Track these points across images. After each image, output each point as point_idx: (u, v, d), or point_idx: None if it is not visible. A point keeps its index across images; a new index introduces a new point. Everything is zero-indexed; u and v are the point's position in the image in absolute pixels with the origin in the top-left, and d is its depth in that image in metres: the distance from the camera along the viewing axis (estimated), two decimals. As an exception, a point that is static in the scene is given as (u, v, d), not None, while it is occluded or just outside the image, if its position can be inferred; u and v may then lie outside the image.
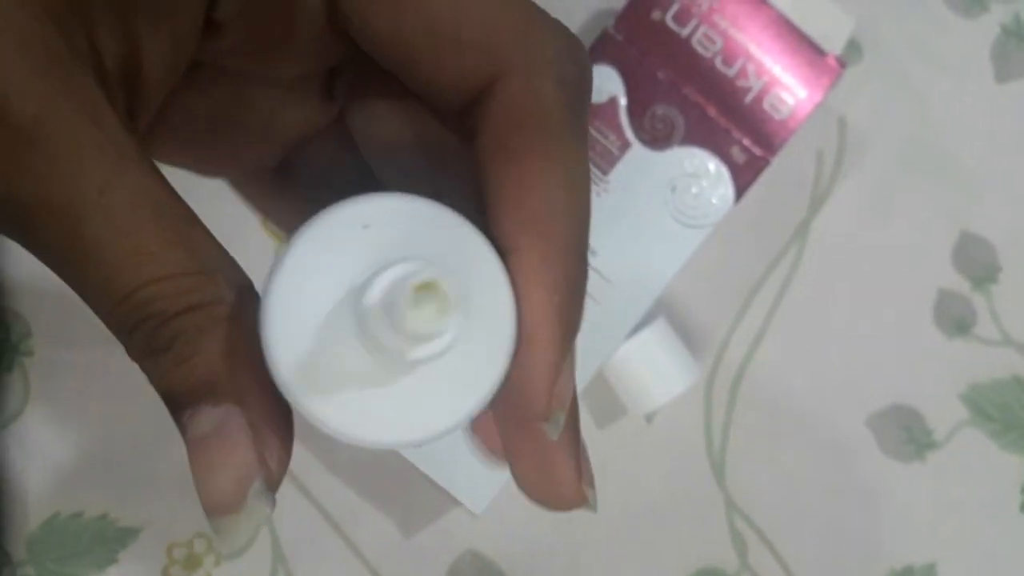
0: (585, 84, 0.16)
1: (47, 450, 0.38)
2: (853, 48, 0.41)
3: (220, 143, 0.21)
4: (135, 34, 0.15)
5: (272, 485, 0.16)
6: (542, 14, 0.16)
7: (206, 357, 0.15)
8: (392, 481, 0.38)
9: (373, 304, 0.15)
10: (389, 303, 0.15)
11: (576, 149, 0.16)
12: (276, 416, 0.16)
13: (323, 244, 0.16)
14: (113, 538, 0.38)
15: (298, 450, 0.39)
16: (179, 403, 0.15)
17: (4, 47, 0.13)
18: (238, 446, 0.15)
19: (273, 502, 0.16)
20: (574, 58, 0.16)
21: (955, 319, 0.40)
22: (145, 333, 0.15)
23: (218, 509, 0.15)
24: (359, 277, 0.16)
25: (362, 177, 0.21)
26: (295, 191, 0.22)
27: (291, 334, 0.15)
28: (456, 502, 0.35)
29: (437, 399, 0.16)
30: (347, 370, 0.16)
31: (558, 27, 0.16)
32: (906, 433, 0.40)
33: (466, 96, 0.16)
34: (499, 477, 0.35)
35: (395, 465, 0.38)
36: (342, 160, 0.21)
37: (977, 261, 0.41)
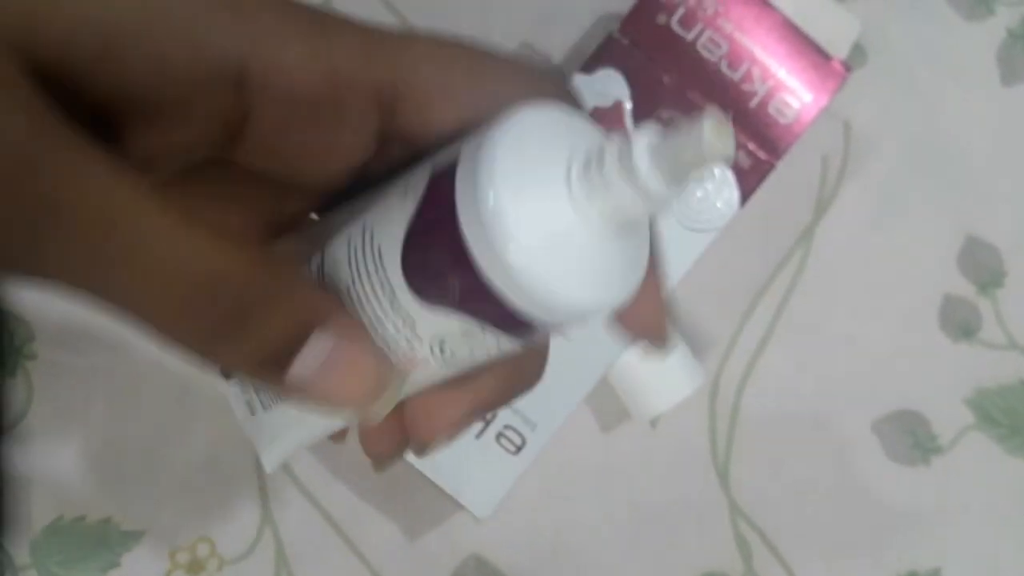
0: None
1: (50, 454, 0.38)
2: (858, 52, 0.41)
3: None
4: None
5: (392, 381, 0.17)
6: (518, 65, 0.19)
7: (296, 297, 0.16)
8: (396, 485, 0.38)
9: (641, 149, 0.16)
10: (666, 149, 0.16)
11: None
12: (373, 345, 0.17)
13: (531, 129, 0.17)
14: (116, 542, 0.38)
15: (302, 455, 0.39)
16: (283, 354, 0.16)
17: (33, 117, 0.14)
18: (365, 341, 0.17)
19: (407, 373, 0.18)
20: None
21: (960, 324, 0.40)
22: (219, 313, 0.15)
23: (371, 399, 0.17)
24: (575, 156, 0.17)
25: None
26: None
27: (508, 181, 0.16)
28: (460, 507, 0.35)
29: (624, 267, 0.18)
30: (555, 229, 0.17)
31: (535, 75, 0.19)
32: (911, 438, 0.40)
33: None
34: (504, 482, 0.35)
35: (399, 469, 0.37)
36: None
37: (982, 266, 0.41)
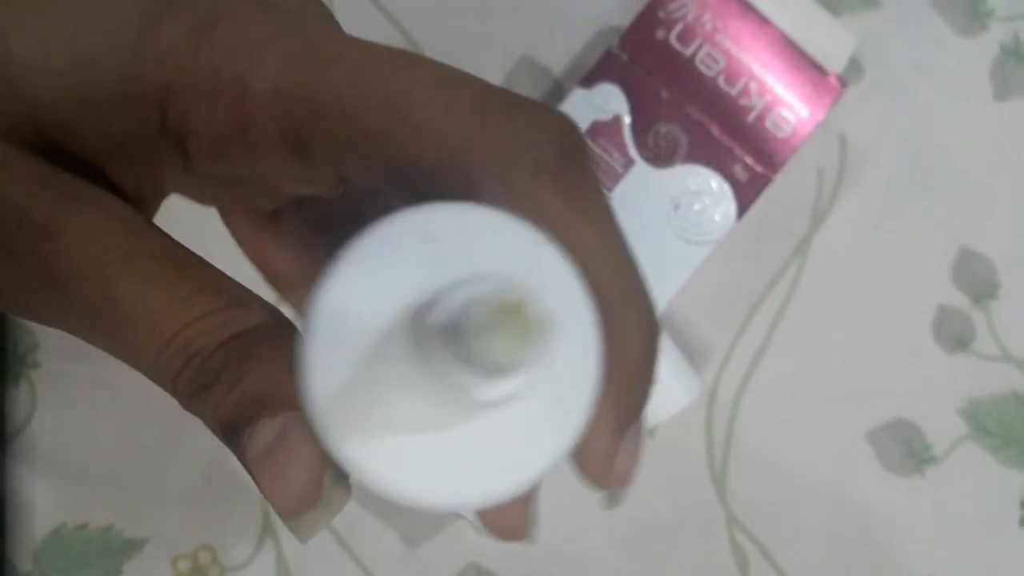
0: (570, 148, 0.16)
1: (53, 461, 0.38)
2: (854, 66, 0.41)
3: (211, 197, 0.21)
4: (130, 172, 0.17)
5: (344, 474, 0.16)
6: (515, 106, 0.16)
7: (256, 375, 0.15)
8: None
9: (437, 329, 0.13)
10: (457, 328, 0.12)
11: (605, 204, 0.16)
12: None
13: (378, 258, 0.14)
14: (118, 549, 0.38)
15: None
16: (236, 427, 0.15)
17: (11, 170, 0.15)
18: (305, 445, 0.15)
19: (350, 488, 0.16)
20: (549, 138, 0.16)
21: (954, 335, 0.41)
22: (191, 372, 0.15)
23: (296, 509, 0.15)
24: (419, 297, 0.13)
25: (356, 222, 0.21)
26: (286, 234, 0.22)
27: (334, 363, 0.13)
28: (460, 516, 0.36)
29: (503, 453, 0.14)
30: (397, 410, 0.13)
31: (530, 116, 0.16)
32: (906, 448, 0.40)
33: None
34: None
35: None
36: (337, 205, 0.21)
37: (977, 278, 0.41)
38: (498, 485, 0.14)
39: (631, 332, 0.15)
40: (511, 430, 0.14)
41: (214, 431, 0.16)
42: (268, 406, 0.15)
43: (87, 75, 0.16)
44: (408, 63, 0.16)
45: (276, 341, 0.15)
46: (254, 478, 0.16)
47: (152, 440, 0.38)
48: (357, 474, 0.14)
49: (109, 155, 0.16)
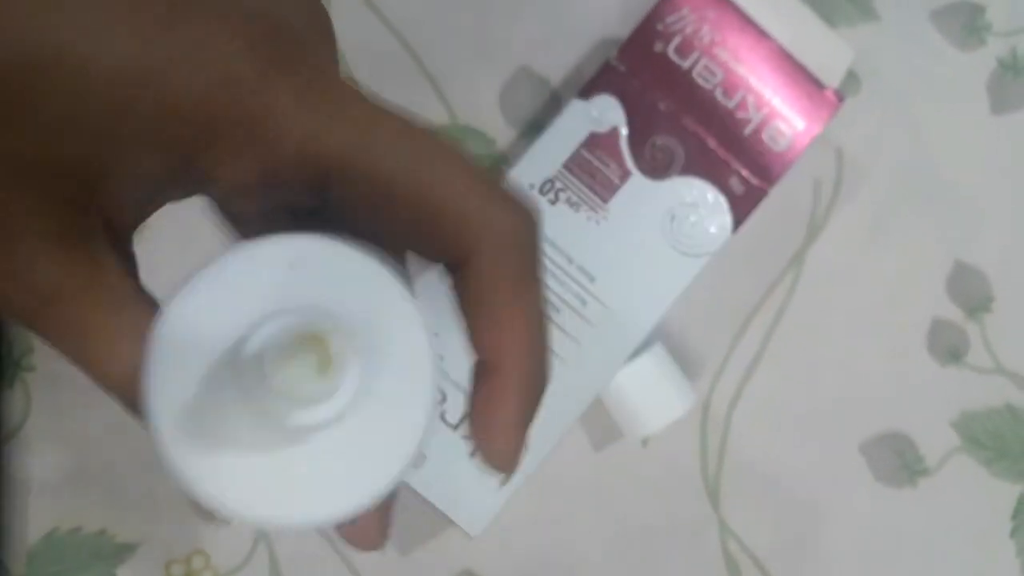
0: (537, 243, 0.19)
1: (47, 465, 0.38)
2: (852, 79, 0.41)
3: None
4: (140, 204, 0.19)
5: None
6: (499, 191, 0.19)
7: None
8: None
9: (250, 357, 0.13)
10: (263, 356, 0.13)
11: (537, 296, 0.19)
12: None
13: (233, 280, 0.14)
14: (111, 554, 0.38)
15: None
16: None
17: (33, 230, 0.17)
18: None
19: None
20: (528, 228, 0.19)
21: (948, 347, 0.41)
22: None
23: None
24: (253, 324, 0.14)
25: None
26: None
27: (176, 381, 0.14)
28: (453, 523, 0.36)
29: (333, 475, 0.14)
30: (229, 432, 0.14)
31: (513, 202, 0.19)
32: (899, 459, 0.40)
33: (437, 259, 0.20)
34: (497, 500, 0.36)
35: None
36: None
37: (971, 290, 0.41)
38: (329, 506, 0.14)
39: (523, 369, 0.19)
40: (342, 451, 0.14)
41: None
42: None
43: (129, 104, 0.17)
44: (432, 150, 0.18)
45: None
46: None
47: (146, 445, 0.38)
48: (192, 491, 0.14)
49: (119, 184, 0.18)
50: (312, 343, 0.13)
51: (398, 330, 0.15)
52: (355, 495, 0.14)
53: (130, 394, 0.19)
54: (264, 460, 0.14)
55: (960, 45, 0.42)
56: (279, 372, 0.13)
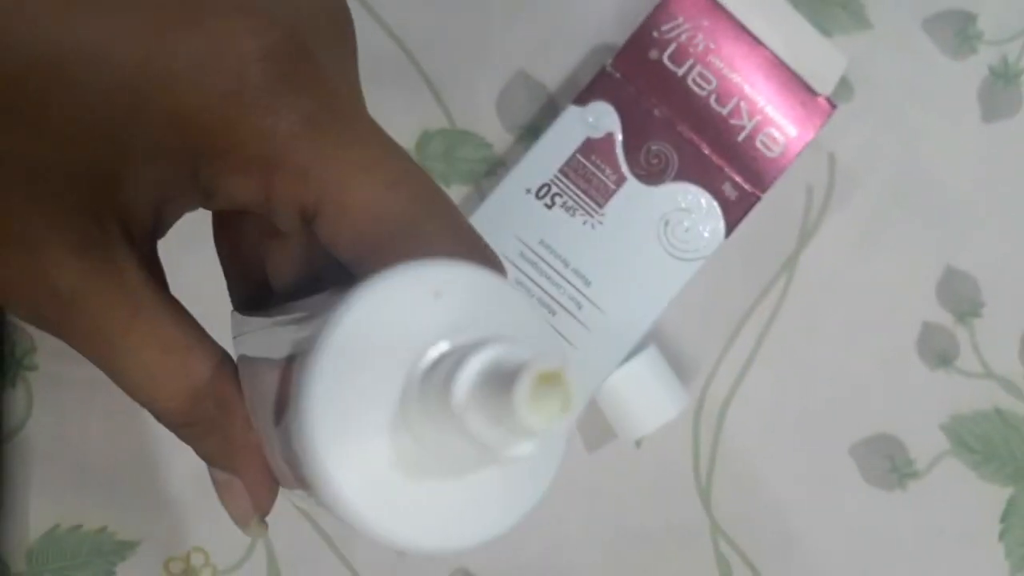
0: None
1: (48, 463, 0.39)
2: (844, 86, 0.42)
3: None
4: (157, 211, 0.20)
5: (263, 516, 0.23)
6: (480, 252, 0.19)
7: (206, 452, 0.22)
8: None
9: (464, 391, 0.13)
10: (490, 392, 0.13)
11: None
12: (266, 479, 0.22)
13: (388, 303, 0.14)
14: (111, 551, 0.39)
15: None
16: (202, 459, 0.22)
17: (53, 240, 0.18)
18: (237, 498, 0.22)
19: (266, 525, 0.23)
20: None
21: (938, 352, 0.41)
22: (170, 423, 0.21)
23: (236, 521, 0.23)
24: (428, 346, 0.14)
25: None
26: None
27: (334, 396, 0.14)
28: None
29: (492, 500, 0.15)
30: (388, 450, 0.14)
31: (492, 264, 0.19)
32: (889, 462, 0.41)
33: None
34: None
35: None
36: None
37: (961, 296, 0.42)
38: (489, 528, 0.15)
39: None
40: (497, 481, 0.15)
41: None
42: (219, 464, 0.22)
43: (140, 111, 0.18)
44: (422, 205, 0.18)
45: (228, 419, 0.21)
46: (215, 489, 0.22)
47: (147, 443, 0.39)
48: (333, 504, 0.14)
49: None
50: (554, 380, 0.13)
51: (552, 351, 0.14)
52: (497, 524, 0.15)
53: (148, 396, 0.20)
54: (413, 484, 0.14)
55: (952, 53, 0.42)
56: (527, 413, 0.12)
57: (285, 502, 0.39)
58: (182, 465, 0.39)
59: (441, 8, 0.41)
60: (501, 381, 0.13)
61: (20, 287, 0.19)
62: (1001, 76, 0.43)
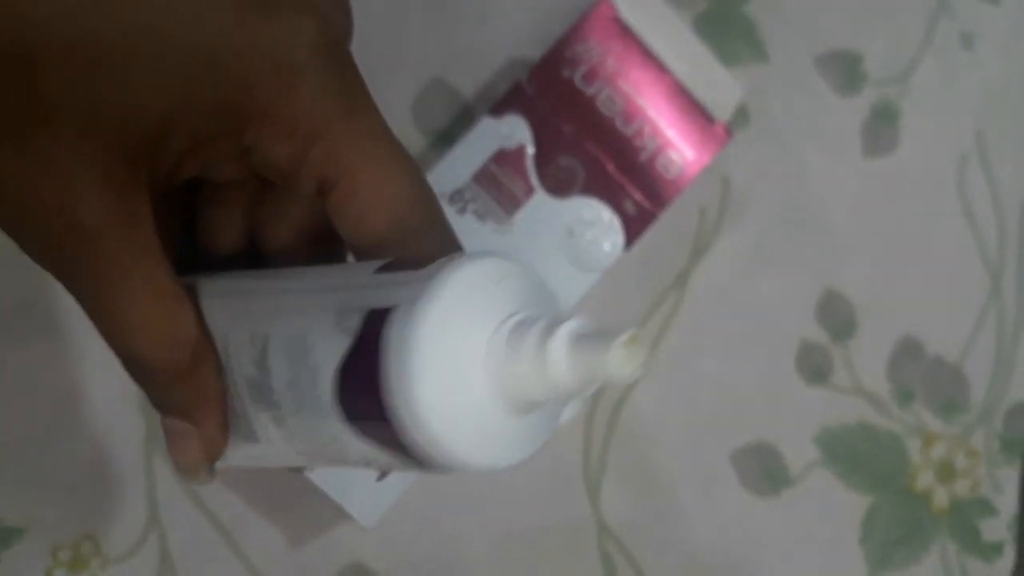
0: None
1: (-67, 446, 0.38)
2: (742, 114, 0.44)
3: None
4: (179, 164, 0.22)
5: (212, 464, 0.24)
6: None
7: (172, 400, 0.23)
8: (283, 491, 0.39)
9: (561, 350, 0.18)
10: (582, 349, 0.18)
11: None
12: (224, 429, 0.24)
13: (466, 289, 0.19)
14: (-4, 537, 0.38)
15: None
16: (160, 409, 0.24)
17: (87, 177, 0.20)
18: (191, 448, 0.24)
19: (215, 473, 0.25)
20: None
21: (814, 368, 0.44)
22: (139, 371, 0.22)
23: (185, 470, 0.24)
24: (508, 321, 0.19)
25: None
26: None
27: (433, 370, 0.18)
28: (347, 515, 0.37)
29: (534, 431, 0.20)
30: (478, 404, 0.19)
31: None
32: (765, 470, 0.43)
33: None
34: (391, 493, 0.37)
35: (287, 475, 0.39)
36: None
37: (837, 317, 0.44)
38: (509, 459, 0.20)
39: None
40: (522, 432, 0.20)
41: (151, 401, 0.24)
42: (181, 413, 0.23)
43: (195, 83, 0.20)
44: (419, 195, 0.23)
45: (198, 370, 0.23)
46: (165, 435, 0.24)
47: (35, 428, 0.38)
48: (431, 445, 0.19)
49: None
50: (639, 341, 0.18)
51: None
52: (531, 448, 0.20)
53: (134, 339, 0.21)
54: (491, 427, 0.19)
55: (839, 91, 0.45)
56: (626, 363, 0.17)
57: (179, 491, 0.39)
58: (73, 451, 0.38)
59: (358, 12, 0.42)
60: (590, 342, 0.18)
61: (43, 215, 0.20)
62: (881, 115, 0.46)
